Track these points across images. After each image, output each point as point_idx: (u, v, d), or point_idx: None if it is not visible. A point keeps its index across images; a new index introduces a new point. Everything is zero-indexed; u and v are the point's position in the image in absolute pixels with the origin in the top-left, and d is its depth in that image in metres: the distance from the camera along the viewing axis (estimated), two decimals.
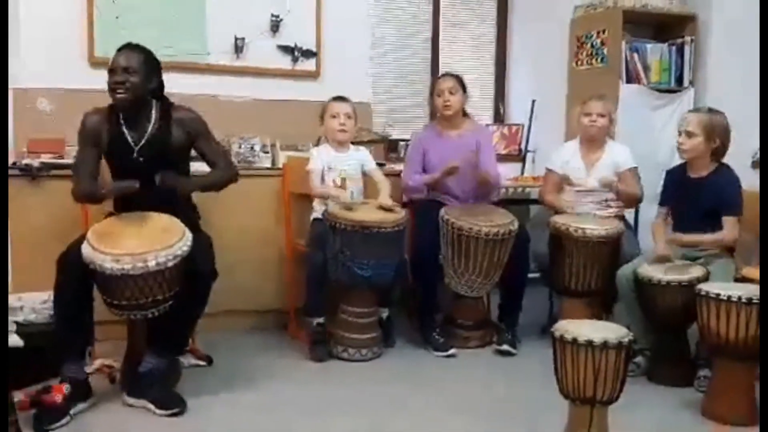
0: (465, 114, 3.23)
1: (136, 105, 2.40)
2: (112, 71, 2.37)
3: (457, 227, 2.82)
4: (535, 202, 3.68)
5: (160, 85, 2.50)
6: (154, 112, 2.47)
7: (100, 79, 2.99)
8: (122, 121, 2.43)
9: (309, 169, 2.94)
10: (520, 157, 4.22)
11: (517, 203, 3.72)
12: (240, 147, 3.27)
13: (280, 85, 3.64)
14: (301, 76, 3.69)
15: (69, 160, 2.91)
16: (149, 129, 2.45)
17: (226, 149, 2.80)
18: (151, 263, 2.11)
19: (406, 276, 2.99)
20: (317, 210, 3.00)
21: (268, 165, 3.32)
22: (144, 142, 2.44)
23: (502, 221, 2.87)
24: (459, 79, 3.16)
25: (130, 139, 2.43)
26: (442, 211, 2.92)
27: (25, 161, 2.86)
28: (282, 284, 3.21)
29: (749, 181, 2.92)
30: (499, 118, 4.56)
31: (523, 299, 3.05)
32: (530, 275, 3.09)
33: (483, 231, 2.79)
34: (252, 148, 3.28)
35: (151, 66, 2.43)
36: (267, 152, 3.34)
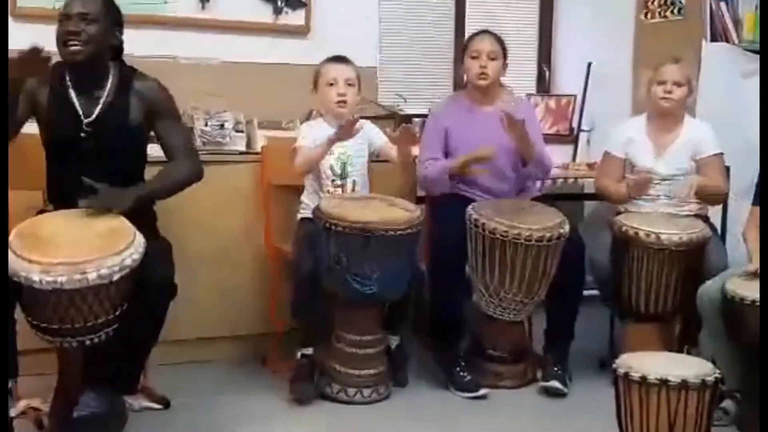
0: (501, 85, 3.24)
1: (92, 64, 2.42)
2: (63, 19, 2.38)
3: (490, 229, 2.81)
4: (591, 197, 3.67)
5: (121, 44, 2.52)
6: (111, 77, 2.48)
7: (25, 37, 2.97)
8: (68, 83, 2.44)
9: (296, 147, 2.93)
10: (571, 137, 4.21)
11: (567, 198, 3.70)
12: (206, 125, 3.26)
13: (258, 43, 3.64)
14: (287, 33, 3.69)
15: None
16: (103, 98, 2.45)
17: (192, 138, 2.79)
18: (92, 275, 2.09)
19: (422, 293, 2.98)
20: (306, 206, 3.00)
21: (243, 148, 3.31)
22: (96, 114, 2.44)
23: (549, 222, 2.85)
24: (500, 41, 3.16)
25: (78, 107, 2.43)
26: (471, 209, 2.91)
27: None
28: (261, 302, 3.21)
29: None
30: (543, 87, 4.55)
31: (575, 323, 3.04)
32: (585, 292, 3.07)
33: (524, 234, 2.78)
34: (222, 126, 3.27)
35: (113, 16, 2.46)
36: (241, 131, 3.33)
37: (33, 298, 2.12)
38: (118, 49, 2.51)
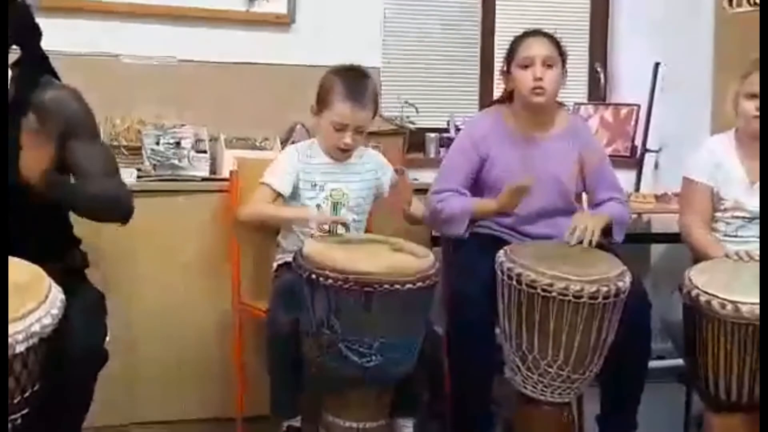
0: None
1: None
2: None
3: (529, 282, 2.76)
4: (662, 238, 3.64)
5: (29, 42, 2.46)
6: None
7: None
8: None
9: (262, 183, 2.95)
10: (633, 159, 4.23)
11: (628, 240, 3.66)
12: (157, 143, 3.30)
13: (226, 37, 3.69)
14: (263, 24, 3.74)
15: None
16: None
17: (116, 166, 2.66)
18: None
19: (439, 365, 2.97)
20: (285, 249, 3.00)
21: (205, 173, 3.36)
22: None
23: (606, 273, 2.80)
24: (557, 43, 3.16)
25: None
26: (502, 254, 2.87)
27: None
28: (227, 377, 3.22)
29: None
30: (597, 94, 4.58)
31: (638, 407, 3.01)
32: (654, 363, 3.06)
33: (573, 289, 2.73)
34: (178, 144, 3.31)
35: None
36: (203, 152, 3.38)
37: None
38: (31, 50, 2.46)
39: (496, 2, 4.42)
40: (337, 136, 2.96)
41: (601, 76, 4.56)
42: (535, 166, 3.10)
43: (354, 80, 2.98)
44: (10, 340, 2.04)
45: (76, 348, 2.24)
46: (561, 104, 3.30)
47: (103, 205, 2.48)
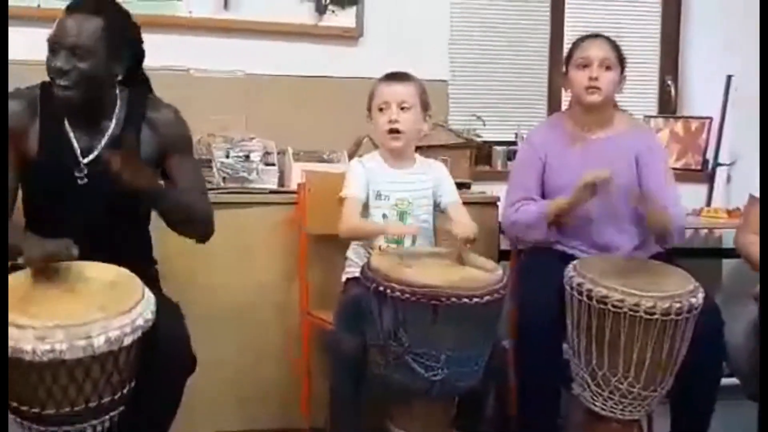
0: (615, 105, 3.24)
1: (90, 102, 2.48)
2: (52, 48, 2.43)
3: (599, 297, 2.75)
4: (733, 254, 3.58)
5: (136, 63, 2.60)
6: (119, 105, 2.56)
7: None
8: (64, 114, 2.50)
9: (344, 196, 2.96)
10: (705, 173, 4.20)
11: (700, 255, 3.64)
12: (227, 156, 3.34)
13: (295, 51, 3.74)
14: (332, 38, 3.79)
15: None
16: (108, 132, 2.51)
17: (205, 185, 2.81)
18: (98, 341, 2.10)
19: (504, 379, 2.98)
20: (354, 263, 3.01)
21: (274, 186, 3.39)
22: (98, 152, 2.49)
23: (678, 289, 2.78)
24: (616, 47, 3.17)
25: (75, 144, 2.49)
26: (571, 269, 2.87)
27: None
28: (291, 389, 3.25)
29: None
30: (667, 107, 4.55)
31: (710, 423, 2.98)
32: (725, 380, 3.02)
33: (645, 306, 2.71)
34: (247, 157, 3.35)
35: (116, 40, 2.48)
36: (272, 164, 3.41)
37: (21, 375, 2.13)
38: (133, 70, 2.58)
39: (565, 14, 4.42)
40: (383, 119, 2.95)
41: (672, 88, 4.53)
42: (591, 165, 3.08)
43: (389, 72, 3.02)
44: (118, 332, 2.12)
45: (171, 351, 2.32)
46: (618, 108, 3.29)
47: (192, 217, 2.59)
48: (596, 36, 3.21)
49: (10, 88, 2.55)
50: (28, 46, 2.45)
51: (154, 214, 2.66)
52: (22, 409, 2.19)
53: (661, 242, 3.10)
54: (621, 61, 3.16)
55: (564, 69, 3.24)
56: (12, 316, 2.10)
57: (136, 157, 2.39)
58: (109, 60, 2.47)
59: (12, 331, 2.08)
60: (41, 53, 2.46)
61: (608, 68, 3.11)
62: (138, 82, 2.65)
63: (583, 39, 3.22)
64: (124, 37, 2.54)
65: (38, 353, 2.05)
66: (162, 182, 2.57)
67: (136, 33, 2.60)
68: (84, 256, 2.35)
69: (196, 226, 2.61)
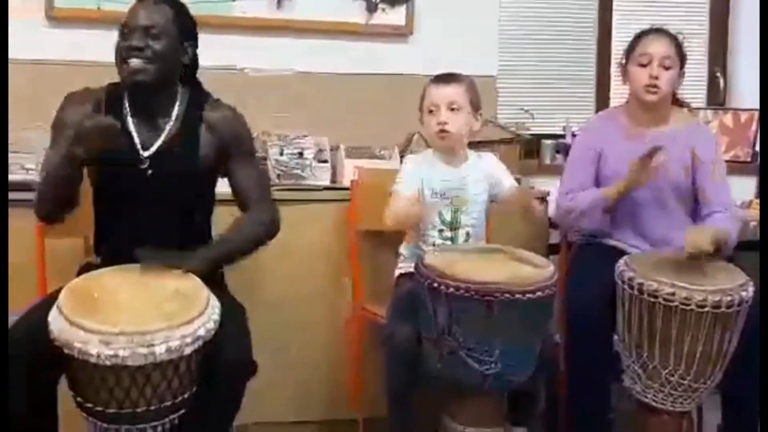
0: (676, 100, 3.23)
1: (157, 86, 2.56)
2: (125, 32, 2.52)
3: (650, 291, 2.76)
4: None
5: (194, 61, 2.67)
6: (179, 102, 2.63)
7: (63, 44, 3.19)
8: (127, 110, 2.59)
9: (394, 191, 2.97)
10: (754, 165, 4.17)
11: (750, 248, 3.61)
12: (281, 153, 3.39)
13: (346, 50, 3.78)
14: (382, 36, 3.82)
15: (16, 175, 3.12)
16: (168, 128, 2.60)
17: (268, 182, 2.88)
18: (160, 349, 2.16)
19: (556, 373, 2.98)
20: (407, 259, 3.04)
21: (326, 182, 3.43)
22: (159, 146, 2.58)
23: (729, 283, 2.78)
24: (678, 43, 3.15)
25: (137, 138, 2.57)
26: (622, 263, 2.89)
27: None
28: (344, 381, 3.31)
29: None
30: (716, 98, 4.53)
31: (760, 415, 2.93)
32: None
33: (696, 299, 2.72)
34: (300, 154, 3.40)
35: (185, 27, 2.60)
36: (325, 161, 3.45)
37: (87, 375, 2.20)
38: (190, 66, 2.65)
39: (613, 7, 4.41)
40: (433, 121, 2.96)
41: (721, 80, 4.50)
42: None
43: (439, 74, 3.01)
44: (179, 342, 2.17)
45: (232, 353, 2.35)
46: (682, 104, 3.28)
47: (250, 250, 2.64)
48: (658, 31, 3.17)
49: (79, 88, 2.62)
50: (91, 47, 2.51)
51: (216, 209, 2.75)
52: (87, 406, 2.26)
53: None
54: (681, 57, 3.14)
55: (623, 61, 3.21)
56: (80, 320, 2.16)
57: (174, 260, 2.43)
58: (178, 45, 2.56)
59: (79, 334, 2.14)
60: (101, 55, 2.55)
61: (668, 67, 3.09)
62: (195, 84, 2.72)
63: (645, 33, 3.18)
64: (189, 27, 2.63)
65: (102, 357, 2.11)
66: (215, 245, 2.60)
67: (195, 29, 2.67)
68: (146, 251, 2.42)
69: (265, 242, 2.67)
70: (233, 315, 2.47)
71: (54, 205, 2.54)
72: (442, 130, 2.94)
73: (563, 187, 3.22)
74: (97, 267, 2.56)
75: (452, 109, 2.95)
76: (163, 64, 2.51)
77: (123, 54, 2.50)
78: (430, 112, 2.96)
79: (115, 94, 2.59)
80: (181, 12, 2.60)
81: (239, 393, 2.40)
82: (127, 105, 2.60)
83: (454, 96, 2.95)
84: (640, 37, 3.18)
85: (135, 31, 2.49)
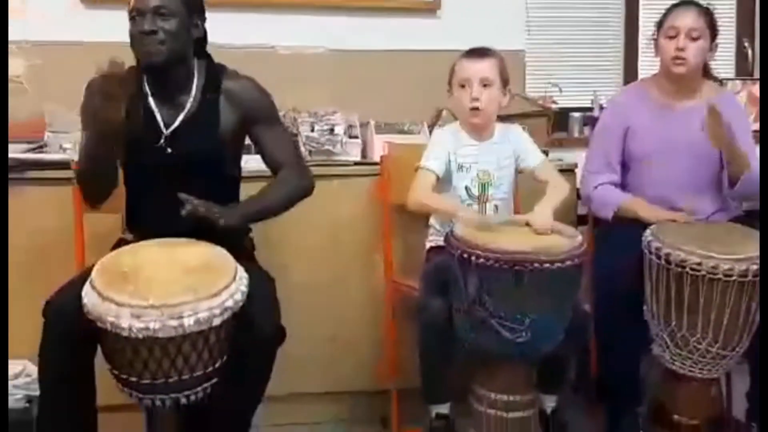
0: (705, 72, 3.23)
1: (173, 66, 2.61)
2: (136, 15, 2.56)
3: (678, 261, 2.78)
4: None
5: (204, 35, 2.71)
6: (196, 78, 2.68)
7: (99, 25, 3.24)
8: (147, 90, 2.65)
9: (420, 167, 2.98)
10: None
11: None
12: (312, 129, 3.42)
13: (374, 26, 3.80)
14: (410, 11, 3.83)
15: (54, 154, 3.19)
16: (188, 105, 2.65)
17: (297, 143, 2.92)
18: (188, 321, 2.21)
19: (586, 341, 3.01)
20: (437, 231, 3.07)
21: (357, 157, 3.46)
22: (179, 123, 2.64)
23: (755, 252, 2.77)
24: (708, 14, 3.15)
25: (159, 117, 2.63)
26: (649, 233, 2.91)
27: None
28: (378, 351, 3.34)
29: None
30: (744, 69, 4.50)
31: None
32: None
33: (723, 268, 2.72)
34: (331, 130, 3.42)
35: (193, 3, 2.64)
36: (355, 137, 3.48)
37: (120, 347, 2.27)
38: (201, 41, 2.70)
39: None
40: (465, 95, 2.96)
41: (749, 51, 4.46)
42: (672, 132, 3.13)
43: (470, 49, 3.01)
44: (207, 314, 2.21)
45: (260, 322, 2.39)
46: (713, 77, 3.28)
47: (285, 206, 2.70)
48: (687, 3, 3.16)
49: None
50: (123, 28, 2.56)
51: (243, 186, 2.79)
52: (122, 377, 2.32)
53: (734, 175, 3.06)
54: (712, 28, 3.14)
55: (654, 34, 3.21)
56: (112, 294, 2.22)
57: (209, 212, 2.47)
58: (188, 23, 2.60)
59: (111, 308, 2.20)
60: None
61: (696, 39, 3.09)
62: (208, 56, 2.75)
63: (674, 6, 3.19)
64: (197, 2, 2.66)
65: (134, 330, 2.16)
66: (240, 205, 2.66)
67: (202, 1, 2.70)
68: (182, 225, 2.48)
69: (298, 200, 2.72)
70: (262, 285, 2.51)
71: (96, 186, 2.62)
72: (475, 107, 2.96)
73: (589, 164, 3.24)
74: (130, 243, 2.62)
75: (484, 85, 2.95)
76: (176, 43, 2.56)
77: (137, 39, 2.54)
78: (462, 86, 2.97)
79: (137, 75, 2.64)
80: None
81: (270, 360, 2.44)
82: (147, 86, 2.64)
83: (486, 71, 2.96)
84: (669, 10, 3.18)
85: (145, 14, 2.53)
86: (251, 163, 2.93)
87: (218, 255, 2.44)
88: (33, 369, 2.81)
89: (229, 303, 2.27)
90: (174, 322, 2.18)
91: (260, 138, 2.73)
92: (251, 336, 2.37)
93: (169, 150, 2.61)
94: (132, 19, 2.56)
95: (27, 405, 2.81)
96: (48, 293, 2.44)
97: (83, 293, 2.28)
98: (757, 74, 4.41)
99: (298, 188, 2.73)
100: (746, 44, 4.47)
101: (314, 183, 2.77)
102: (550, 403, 2.99)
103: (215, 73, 2.70)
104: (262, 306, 2.43)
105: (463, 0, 3.83)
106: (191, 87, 2.66)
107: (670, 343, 2.88)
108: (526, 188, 3.18)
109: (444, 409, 2.90)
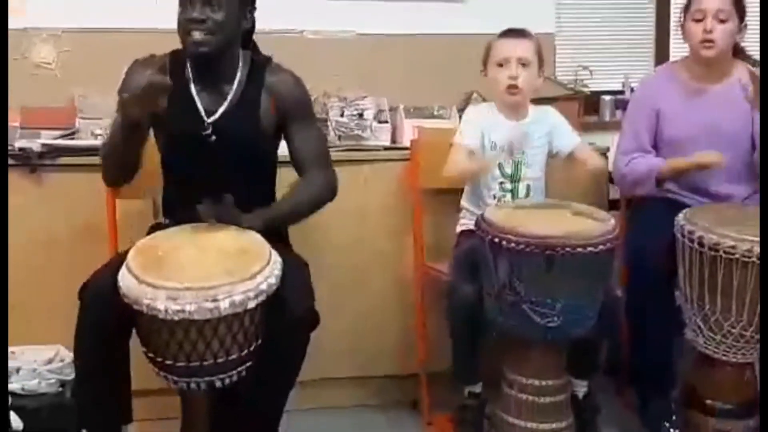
0: (737, 52, 3.21)
1: (219, 56, 2.62)
2: (185, 3, 2.56)
3: (711, 244, 2.76)
4: None
5: (253, 26, 2.73)
6: (241, 68, 2.69)
7: (128, 12, 3.25)
8: (190, 76, 2.66)
9: (454, 143, 2.99)
10: None
11: None
12: (341, 114, 3.43)
13: (402, 10, 3.79)
14: None
15: (86, 140, 3.22)
16: (231, 94, 2.66)
17: (326, 146, 2.91)
18: (224, 303, 2.22)
19: (617, 326, 3.00)
20: (468, 216, 3.08)
21: (387, 142, 3.46)
22: (222, 112, 2.64)
23: None
24: None
25: (200, 104, 2.64)
26: (682, 217, 2.89)
27: (18, 143, 3.14)
28: (409, 335, 3.35)
29: None
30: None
31: None
32: None
33: (757, 251, 2.70)
34: (361, 115, 3.42)
35: None
36: (385, 122, 3.48)
37: (155, 329, 2.28)
38: (250, 32, 2.71)
39: None
40: (502, 74, 2.97)
41: None
42: (704, 116, 3.12)
43: (507, 29, 3.02)
44: (242, 296, 2.23)
45: (294, 306, 2.40)
46: (745, 56, 3.25)
47: (306, 214, 2.71)
48: None
49: (138, 56, 2.67)
50: (153, 15, 2.57)
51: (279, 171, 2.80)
52: (157, 360, 2.34)
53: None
54: (740, 9, 3.11)
55: (681, 19, 3.20)
56: (148, 277, 2.23)
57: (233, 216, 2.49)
58: (238, 14, 2.60)
59: (147, 290, 2.22)
60: (164, 23, 2.62)
61: (724, 20, 3.07)
62: (255, 47, 2.77)
63: None
64: None
65: (170, 312, 2.18)
66: (273, 207, 2.67)
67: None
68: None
69: (321, 205, 2.73)
70: (296, 269, 2.53)
71: (117, 168, 2.63)
72: (512, 86, 2.96)
73: (621, 148, 3.23)
74: (166, 227, 2.63)
75: (523, 65, 2.97)
76: (224, 34, 2.56)
77: (184, 26, 2.55)
78: (500, 65, 2.97)
79: (178, 61, 2.65)
80: None
81: (303, 344, 2.46)
82: (190, 72, 2.65)
83: (525, 51, 2.97)
84: None
85: (195, 2, 2.53)
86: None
87: (253, 239, 2.45)
88: (66, 353, 2.85)
89: (264, 286, 2.29)
90: (209, 305, 2.20)
91: (292, 135, 2.74)
92: (285, 319, 2.38)
93: (211, 136, 2.62)
94: (181, 5, 2.57)
95: (61, 389, 2.83)
96: (82, 278, 2.46)
97: (119, 276, 2.30)
98: None
99: (322, 194, 2.73)
100: None
101: (337, 186, 2.77)
102: (581, 387, 3.00)
103: (260, 65, 2.71)
104: (295, 290, 2.44)
105: None
106: (234, 77, 2.67)
107: (703, 327, 2.87)
108: (558, 173, 3.16)
109: (477, 388, 2.94)
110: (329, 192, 2.75)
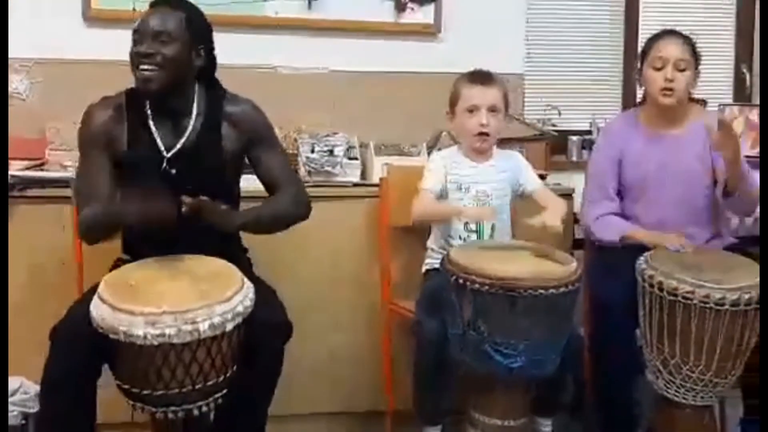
0: (691, 99, 3.25)
1: (171, 91, 2.62)
2: (136, 37, 2.58)
3: (670, 289, 2.78)
4: None
5: (210, 63, 2.73)
6: (197, 102, 2.70)
7: (100, 44, 3.25)
8: (148, 113, 2.66)
9: (422, 189, 3.01)
10: None
11: None
12: (312, 150, 3.43)
13: (376, 48, 3.83)
14: (411, 34, 3.85)
15: (55, 172, 3.21)
16: (189, 128, 2.67)
17: (293, 167, 2.94)
18: (203, 326, 2.24)
19: (580, 366, 3.01)
20: (434, 255, 3.08)
21: (357, 179, 3.47)
22: (180, 146, 2.65)
23: (748, 280, 2.78)
24: (692, 45, 3.16)
25: (159, 140, 2.65)
26: (643, 261, 2.91)
27: None
28: (375, 372, 3.35)
29: None
30: (742, 95, 4.51)
31: None
32: None
33: (715, 297, 2.73)
34: (331, 151, 3.44)
35: (197, 32, 2.64)
36: (355, 158, 3.49)
37: (131, 358, 2.27)
38: (207, 69, 2.71)
39: (640, 5, 4.40)
40: (472, 121, 2.98)
41: (747, 76, 4.48)
42: (665, 161, 3.14)
43: (476, 70, 3.04)
44: (220, 318, 2.25)
45: (270, 319, 2.45)
46: (698, 101, 3.30)
47: (280, 223, 2.74)
48: (671, 33, 3.17)
49: (113, 90, 2.70)
50: (125, 46, 2.58)
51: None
52: (133, 391, 2.33)
53: (728, 197, 3.07)
54: (696, 58, 3.15)
55: (639, 65, 3.23)
56: (123, 305, 2.23)
57: (212, 211, 2.50)
58: (190, 49, 2.60)
59: (123, 317, 2.21)
60: None
61: (683, 70, 3.09)
62: (214, 81, 2.77)
63: (658, 37, 3.19)
64: (203, 31, 2.67)
65: (149, 338, 2.19)
66: (240, 212, 2.70)
67: (210, 32, 2.72)
68: (178, 245, 2.51)
69: (296, 216, 2.75)
70: (266, 291, 2.57)
71: (102, 237, 2.62)
72: (483, 133, 2.99)
73: (588, 197, 3.25)
74: (127, 263, 2.63)
75: (492, 111, 2.99)
76: (173, 69, 2.56)
77: (134, 60, 2.56)
78: (470, 111, 3.00)
79: (135, 98, 2.65)
80: (194, 16, 2.64)
81: (279, 353, 2.49)
82: (148, 107, 2.65)
83: (495, 99, 3.00)
84: (653, 40, 3.19)
85: (146, 36, 2.54)
86: (249, 182, 2.93)
87: (221, 264, 2.48)
88: (30, 385, 2.84)
89: (240, 308, 2.32)
90: (189, 327, 2.22)
91: (259, 160, 2.76)
92: (260, 330, 2.40)
93: (171, 173, 2.63)
94: (133, 40, 2.58)
95: (24, 422, 2.82)
96: (46, 310, 2.47)
97: (92, 307, 2.29)
98: (755, 100, 4.43)
99: (296, 204, 2.75)
100: (744, 70, 4.50)
101: (311, 205, 2.80)
102: (545, 426, 3.00)
103: (216, 97, 2.72)
104: (267, 305, 2.47)
105: (463, 24, 3.86)
106: (191, 109, 2.68)
107: (663, 370, 2.89)
108: (522, 214, 3.14)
109: (436, 431, 2.93)
110: (304, 205, 2.78)
